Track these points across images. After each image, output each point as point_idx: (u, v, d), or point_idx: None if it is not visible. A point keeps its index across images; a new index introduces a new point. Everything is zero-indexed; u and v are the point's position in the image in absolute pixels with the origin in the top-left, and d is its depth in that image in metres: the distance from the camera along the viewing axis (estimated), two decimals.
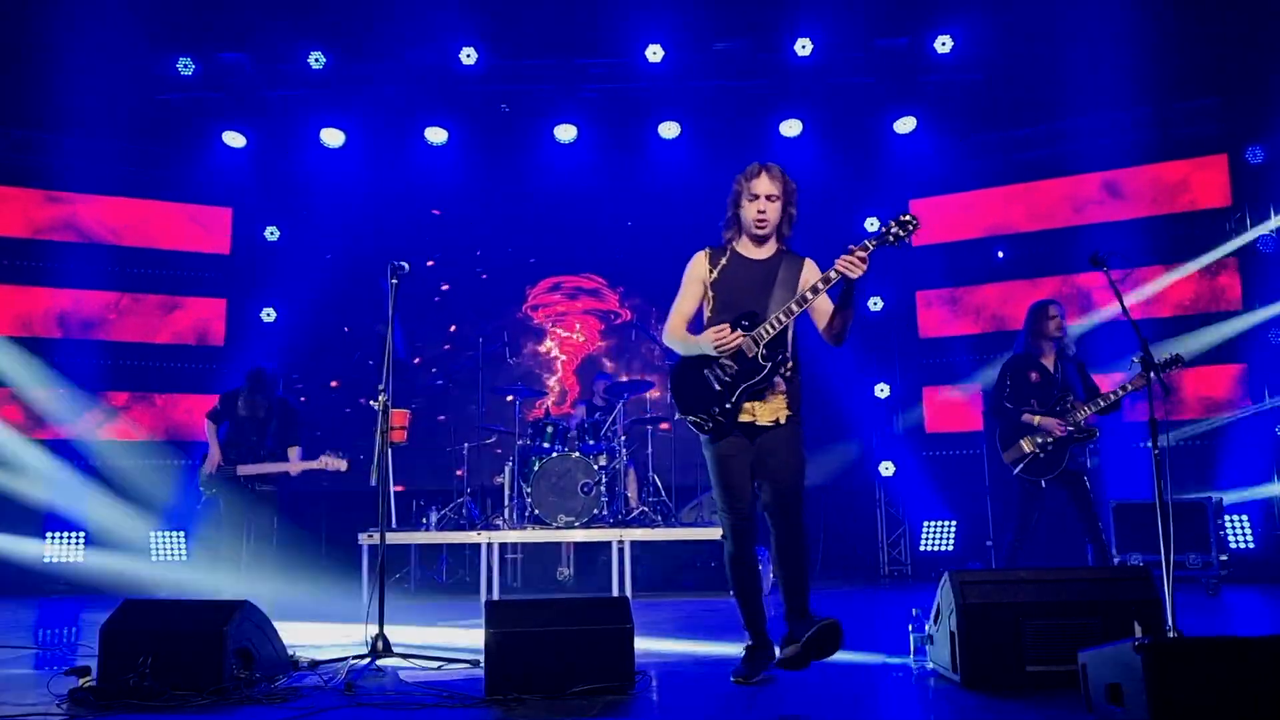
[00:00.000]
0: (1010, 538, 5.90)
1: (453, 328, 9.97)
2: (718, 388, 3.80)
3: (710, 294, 3.92)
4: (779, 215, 3.90)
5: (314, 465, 6.77)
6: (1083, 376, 5.78)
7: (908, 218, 3.58)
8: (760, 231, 3.89)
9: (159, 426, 9.32)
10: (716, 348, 3.74)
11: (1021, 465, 5.70)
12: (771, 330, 3.73)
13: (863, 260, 3.56)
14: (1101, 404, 5.56)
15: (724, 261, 3.94)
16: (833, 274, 3.62)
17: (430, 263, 9.87)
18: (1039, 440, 5.63)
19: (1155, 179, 8.86)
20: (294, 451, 6.92)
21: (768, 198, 3.87)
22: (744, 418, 3.80)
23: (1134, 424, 8.18)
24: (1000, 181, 9.49)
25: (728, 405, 3.78)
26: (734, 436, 3.82)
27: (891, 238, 3.60)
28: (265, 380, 6.97)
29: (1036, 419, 5.65)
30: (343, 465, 6.71)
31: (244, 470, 6.80)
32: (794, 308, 3.71)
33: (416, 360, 9.75)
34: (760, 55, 9.06)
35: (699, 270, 3.97)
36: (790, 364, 3.85)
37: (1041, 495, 5.73)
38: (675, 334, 3.94)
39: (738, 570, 3.93)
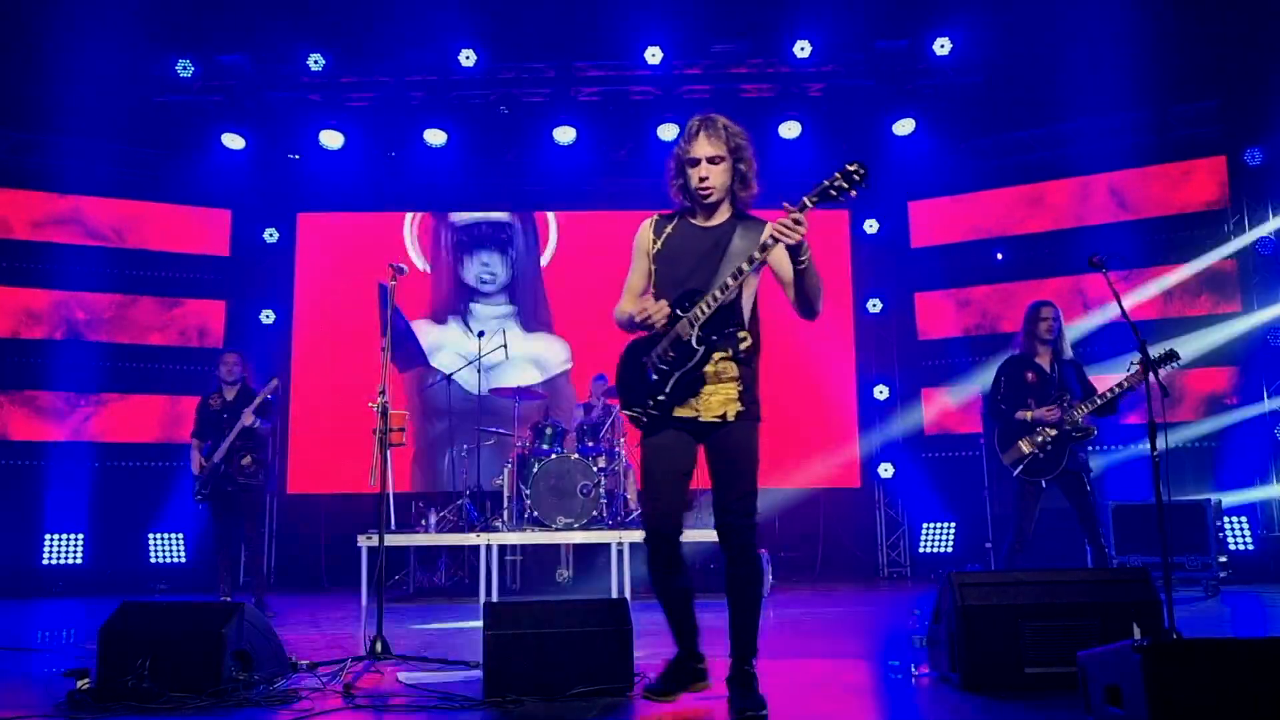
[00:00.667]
0: (1010, 540, 5.83)
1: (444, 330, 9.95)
2: (654, 377, 3.29)
3: (652, 267, 3.42)
4: (727, 178, 3.34)
5: (260, 398, 6.71)
6: (1080, 377, 5.75)
7: (854, 167, 3.07)
8: (707, 200, 3.35)
9: (158, 428, 9.32)
10: (639, 320, 3.25)
11: (1021, 466, 5.63)
12: (708, 309, 3.19)
13: (797, 223, 3.04)
14: (1099, 402, 5.50)
15: (669, 230, 3.43)
16: (768, 241, 3.13)
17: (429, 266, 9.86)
18: (1038, 440, 5.60)
19: (1154, 181, 8.87)
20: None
21: (709, 160, 3.31)
22: (684, 412, 3.29)
23: (1133, 426, 8.18)
24: (999, 183, 9.51)
25: (661, 397, 3.28)
26: (671, 430, 3.31)
27: (835, 191, 3.07)
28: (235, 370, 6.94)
29: (1029, 414, 5.60)
30: (274, 384, 6.84)
31: (217, 456, 6.69)
32: (729, 282, 3.19)
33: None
34: (759, 57, 9.07)
35: (643, 241, 3.48)
36: (746, 344, 3.31)
37: (1040, 496, 5.69)
38: (618, 312, 3.47)
39: (661, 594, 3.45)
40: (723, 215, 3.41)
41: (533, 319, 9.57)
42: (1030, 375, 5.70)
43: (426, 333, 8.96)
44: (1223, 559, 7.15)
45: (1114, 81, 8.12)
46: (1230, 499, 7.84)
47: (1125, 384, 5.35)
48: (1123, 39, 7.77)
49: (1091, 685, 2.97)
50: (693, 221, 3.43)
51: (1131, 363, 5.29)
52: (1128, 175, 8.95)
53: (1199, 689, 2.59)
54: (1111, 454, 8.59)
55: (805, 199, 3.07)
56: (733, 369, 3.29)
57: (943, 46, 8.69)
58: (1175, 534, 6.95)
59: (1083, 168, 9.08)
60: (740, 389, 3.30)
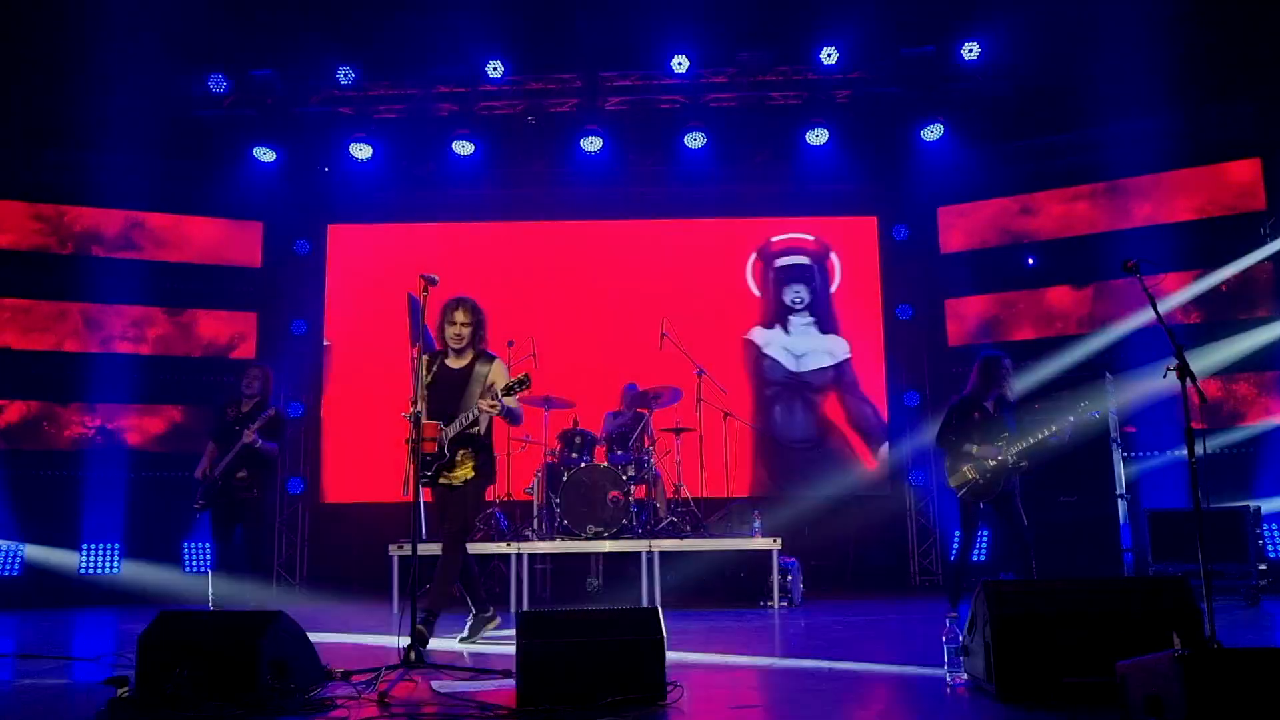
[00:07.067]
0: (956, 557, 6.66)
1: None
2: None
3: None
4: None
5: (259, 423, 6.57)
6: (1016, 417, 6.46)
7: (522, 378, 5.07)
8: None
9: (192, 439, 9.41)
10: None
11: (965, 489, 6.35)
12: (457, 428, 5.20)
13: (493, 406, 5.07)
14: (1030, 443, 6.22)
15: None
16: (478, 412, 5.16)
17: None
18: (979, 467, 6.27)
19: (1188, 184, 8.77)
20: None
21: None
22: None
23: (1170, 432, 8.07)
24: (1029, 188, 9.44)
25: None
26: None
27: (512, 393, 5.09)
28: (260, 378, 6.87)
29: (975, 449, 6.32)
30: (272, 413, 6.61)
31: (217, 470, 6.68)
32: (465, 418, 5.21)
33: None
34: (786, 65, 9.08)
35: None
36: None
37: (979, 516, 6.51)
38: None
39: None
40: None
41: (827, 325, 9.97)
42: (976, 415, 6.44)
43: (758, 334, 9.90)
44: (1262, 567, 7.03)
45: (1145, 84, 8.02)
46: (1270, 506, 7.70)
47: (1054, 430, 6.15)
48: (1153, 41, 7.68)
49: (1131, 695, 2.93)
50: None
51: (1166, 369, 5.31)
52: (1161, 178, 8.85)
53: (1241, 699, 2.56)
54: (1147, 460, 8.47)
55: (499, 392, 5.08)
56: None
57: (970, 51, 8.66)
58: (1213, 541, 6.84)
59: (1114, 172, 8.99)
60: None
